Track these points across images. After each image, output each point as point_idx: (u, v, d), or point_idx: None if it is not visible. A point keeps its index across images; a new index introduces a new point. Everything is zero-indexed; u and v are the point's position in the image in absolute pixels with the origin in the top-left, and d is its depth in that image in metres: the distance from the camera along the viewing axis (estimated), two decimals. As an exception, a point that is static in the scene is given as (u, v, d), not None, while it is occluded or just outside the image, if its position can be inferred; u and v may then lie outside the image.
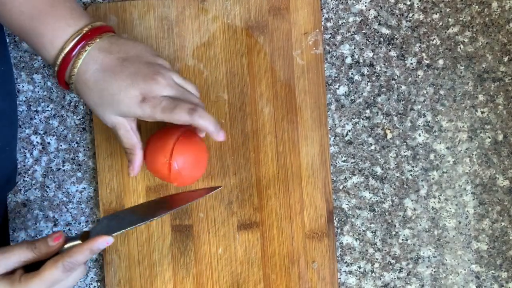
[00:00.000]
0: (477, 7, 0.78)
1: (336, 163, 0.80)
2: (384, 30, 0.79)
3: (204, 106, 0.70)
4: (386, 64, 0.79)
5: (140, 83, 0.65)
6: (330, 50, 0.80)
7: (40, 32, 0.66)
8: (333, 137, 0.80)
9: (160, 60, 0.69)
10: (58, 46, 0.66)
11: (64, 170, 0.82)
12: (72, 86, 0.68)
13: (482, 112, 0.78)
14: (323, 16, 0.79)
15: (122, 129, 0.69)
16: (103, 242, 0.63)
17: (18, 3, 0.65)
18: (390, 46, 0.79)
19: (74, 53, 0.66)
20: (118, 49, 0.67)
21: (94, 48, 0.66)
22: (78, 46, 0.66)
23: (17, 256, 0.63)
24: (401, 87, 0.79)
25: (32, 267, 0.62)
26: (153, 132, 0.74)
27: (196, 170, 0.72)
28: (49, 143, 0.82)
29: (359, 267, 0.80)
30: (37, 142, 0.82)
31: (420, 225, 0.79)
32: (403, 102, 0.79)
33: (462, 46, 0.79)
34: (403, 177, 0.79)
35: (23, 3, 0.65)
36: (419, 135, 0.79)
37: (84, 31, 0.66)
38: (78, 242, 0.64)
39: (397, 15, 0.79)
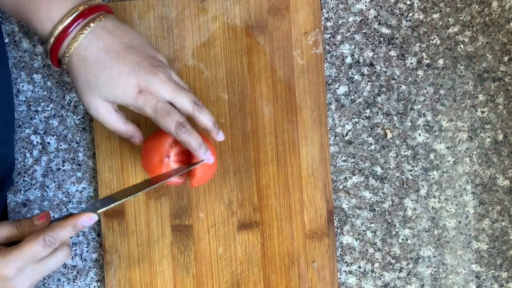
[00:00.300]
0: (477, 6, 0.78)
1: (336, 163, 0.80)
2: (384, 30, 0.79)
3: (202, 102, 0.70)
4: (386, 64, 0.79)
5: (142, 73, 0.65)
6: (330, 50, 0.80)
7: (37, 3, 0.65)
8: (333, 137, 0.80)
9: (160, 56, 0.69)
10: (56, 19, 0.65)
11: (64, 170, 0.82)
12: (65, 60, 0.66)
13: (482, 112, 0.78)
14: (323, 15, 0.79)
15: (109, 112, 0.68)
16: (86, 218, 0.63)
17: None
18: (390, 46, 0.79)
19: (73, 27, 0.65)
20: (123, 35, 0.67)
21: (98, 26, 0.65)
22: (79, 21, 0.65)
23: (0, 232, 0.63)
24: (401, 87, 0.79)
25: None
26: (152, 131, 0.74)
27: (209, 170, 0.72)
28: (49, 143, 0.82)
29: (359, 267, 0.79)
30: (37, 142, 0.82)
31: (420, 225, 0.79)
32: (403, 102, 0.79)
33: (462, 46, 0.79)
34: (403, 177, 0.79)
35: None
36: (419, 135, 0.79)
37: (86, 5, 0.65)
38: None
39: (397, 15, 0.79)
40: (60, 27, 0.64)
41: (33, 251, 0.61)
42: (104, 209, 0.65)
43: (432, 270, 0.79)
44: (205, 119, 0.69)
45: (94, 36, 0.65)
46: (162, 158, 0.69)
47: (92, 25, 0.65)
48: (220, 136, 0.71)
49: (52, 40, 0.65)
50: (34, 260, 0.62)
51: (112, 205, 0.65)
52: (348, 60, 0.80)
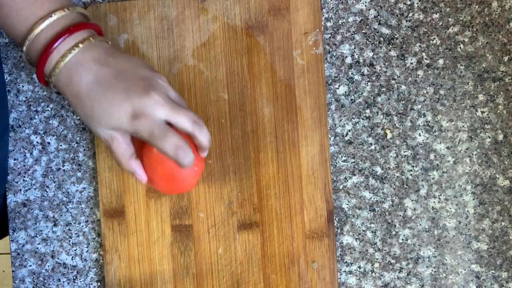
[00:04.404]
0: (477, 6, 0.78)
1: (336, 163, 0.80)
2: (384, 30, 0.79)
3: (202, 120, 0.70)
4: (386, 64, 0.79)
5: (134, 98, 0.63)
6: (330, 50, 0.80)
7: (18, 8, 0.65)
8: (333, 137, 0.80)
9: (156, 75, 0.67)
10: (31, 20, 0.65)
11: (64, 170, 0.82)
12: (52, 82, 0.66)
13: (482, 112, 0.78)
14: (323, 16, 0.79)
15: (114, 142, 0.66)
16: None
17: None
18: (390, 46, 0.79)
19: (58, 43, 0.65)
20: (115, 62, 0.65)
21: (89, 58, 0.65)
22: (65, 36, 0.65)
23: None
24: (401, 87, 0.79)
25: None
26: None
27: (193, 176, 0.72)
28: (49, 143, 0.82)
29: (359, 267, 0.80)
30: (37, 142, 0.82)
31: (420, 225, 0.79)
32: (403, 102, 0.79)
33: (462, 46, 0.79)
34: (403, 177, 0.79)
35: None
36: (419, 135, 0.79)
37: (64, 21, 0.66)
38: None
39: (397, 15, 0.79)
40: (37, 30, 0.64)
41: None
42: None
43: (432, 270, 0.79)
44: (204, 138, 0.67)
45: (84, 69, 0.64)
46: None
47: (80, 45, 0.65)
48: (205, 154, 0.71)
49: (27, 42, 0.65)
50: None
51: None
52: (348, 60, 0.80)
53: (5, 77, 0.81)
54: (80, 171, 0.82)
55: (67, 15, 0.66)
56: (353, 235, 0.80)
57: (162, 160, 0.68)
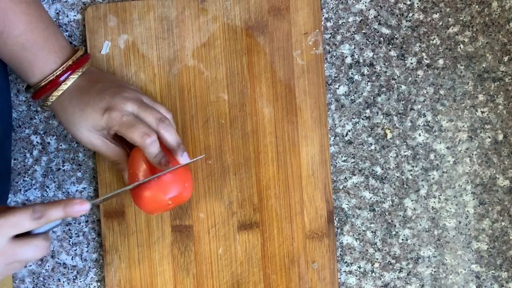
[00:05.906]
0: (477, 6, 0.78)
1: (336, 163, 0.80)
2: (384, 30, 0.79)
3: (174, 124, 0.74)
4: (386, 64, 0.79)
5: (107, 97, 0.70)
6: (330, 50, 0.80)
7: (31, 61, 0.71)
8: (333, 137, 0.80)
9: (132, 87, 0.74)
10: (47, 73, 0.72)
11: (64, 170, 0.82)
12: (47, 104, 0.73)
13: (482, 112, 0.78)
14: (323, 16, 0.79)
15: (99, 142, 0.72)
16: (78, 204, 0.62)
17: (16, 35, 0.70)
18: (390, 46, 0.79)
19: (62, 78, 0.72)
20: (95, 76, 0.74)
21: (77, 75, 0.73)
22: (66, 74, 0.72)
23: None
24: (401, 87, 0.79)
25: None
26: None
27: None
28: (49, 143, 0.82)
29: (359, 267, 0.80)
30: (37, 142, 0.82)
31: (420, 225, 0.79)
32: (403, 102, 0.79)
33: (462, 46, 0.79)
34: (403, 177, 0.79)
35: (21, 35, 0.70)
36: (419, 135, 0.79)
37: (70, 63, 0.73)
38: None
39: (397, 15, 0.79)
40: (49, 79, 0.71)
41: (18, 219, 0.59)
42: (96, 201, 0.68)
43: (432, 270, 0.79)
44: (170, 137, 0.71)
45: (70, 84, 0.72)
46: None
47: (74, 76, 0.72)
48: (183, 158, 0.71)
49: (36, 88, 0.72)
50: (15, 230, 0.59)
51: (103, 198, 0.70)
52: (348, 60, 0.80)
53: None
54: (80, 171, 0.82)
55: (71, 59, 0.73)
56: (353, 235, 0.80)
57: (135, 162, 0.72)
